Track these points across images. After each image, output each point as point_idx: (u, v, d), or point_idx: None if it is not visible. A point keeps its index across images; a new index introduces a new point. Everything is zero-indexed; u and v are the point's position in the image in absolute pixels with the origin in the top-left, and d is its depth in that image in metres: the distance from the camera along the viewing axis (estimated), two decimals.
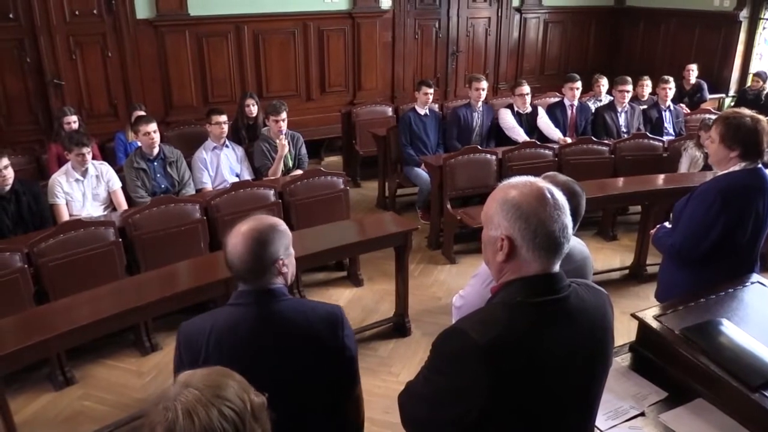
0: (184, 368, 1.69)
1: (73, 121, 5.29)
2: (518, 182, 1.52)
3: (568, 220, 1.49)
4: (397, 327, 4.31)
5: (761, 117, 2.75)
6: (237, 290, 1.87)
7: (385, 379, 3.80)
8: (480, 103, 6.22)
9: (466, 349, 1.41)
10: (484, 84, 6.17)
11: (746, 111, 2.79)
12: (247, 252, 1.82)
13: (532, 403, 1.46)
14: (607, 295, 1.63)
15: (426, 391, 1.54)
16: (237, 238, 1.85)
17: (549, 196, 1.47)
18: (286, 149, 5.25)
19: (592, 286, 1.62)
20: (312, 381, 1.85)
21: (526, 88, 6.21)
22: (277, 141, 5.20)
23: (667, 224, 3.04)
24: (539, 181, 1.52)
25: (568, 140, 6.00)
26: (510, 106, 6.32)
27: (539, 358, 1.44)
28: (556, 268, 1.51)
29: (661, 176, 5.24)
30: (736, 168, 2.76)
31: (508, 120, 6.23)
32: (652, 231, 3.15)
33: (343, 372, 1.93)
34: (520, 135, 6.09)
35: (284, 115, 5.24)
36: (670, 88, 6.48)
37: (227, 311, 1.85)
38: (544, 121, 6.26)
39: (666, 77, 6.51)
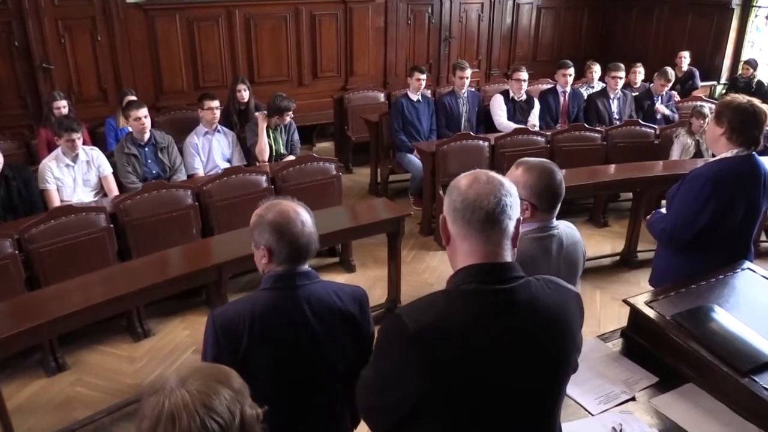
0: (222, 355, 1.75)
1: (62, 106, 5.24)
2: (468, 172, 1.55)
3: (496, 196, 1.44)
4: (390, 313, 4.32)
5: (763, 106, 2.73)
6: (269, 274, 1.88)
7: None
8: (464, 90, 6.21)
9: (397, 335, 1.41)
10: (468, 72, 6.16)
11: (747, 97, 2.77)
12: (315, 231, 1.89)
13: (468, 395, 1.41)
14: (576, 295, 1.58)
15: (370, 377, 1.55)
16: (303, 216, 1.87)
17: (481, 174, 1.49)
18: (264, 124, 5.21)
19: (559, 284, 1.55)
20: (344, 356, 1.94)
21: (524, 74, 6.16)
22: (257, 114, 5.21)
23: (662, 210, 3.05)
24: (484, 170, 1.53)
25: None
26: (505, 93, 6.31)
27: (474, 347, 1.40)
28: (504, 256, 1.47)
29: (653, 163, 5.27)
30: (728, 154, 2.77)
31: (495, 108, 6.23)
32: (648, 216, 3.17)
33: (364, 347, 2.01)
34: (501, 125, 6.08)
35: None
36: (668, 86, 6.49)
37: (267, 296, 1.85)
38: (533, 121, 6.25)
39: (669, 74, 6.44)
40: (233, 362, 1.75)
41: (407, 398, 1.41)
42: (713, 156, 2.96)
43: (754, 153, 2.78)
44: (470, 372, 1.40)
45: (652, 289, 2.84)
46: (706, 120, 5.28)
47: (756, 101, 2.74)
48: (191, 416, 1.13)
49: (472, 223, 1.45)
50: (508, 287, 1.44)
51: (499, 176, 1.50)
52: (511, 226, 1.47)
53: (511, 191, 1.48)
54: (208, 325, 1.84)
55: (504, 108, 6.20)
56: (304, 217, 1.87)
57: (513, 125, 5.98)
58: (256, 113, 5.48)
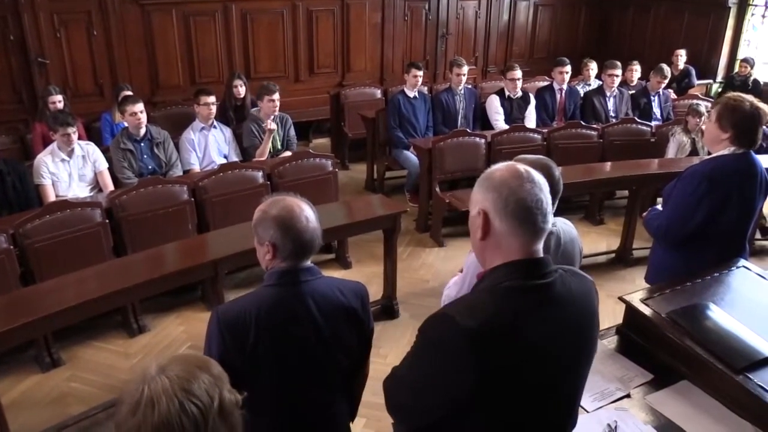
0: (228, 352, 1.74)
1: (58, 101, 5.21)
2: (499, 165, 1.54)
3: (544, 196, 1.47)
4: (386, 309, 4.33)
5: (763, 106, 2.75)
6: (273, 271, 1.87)
7: (373, 361, 3.74)
8: (461, 87, 6.21)
9: (453, 335, 1.39)
10: (465, 69, 6.16)
11: (749, 97, 2.78)
12: (319, 226, 1.90)
13: (517, 390, 1.44)
14: (593, 282, 1.63)
15: (411, 377, 1.53)
16: (307, 211, 1.88)
17: (523, 171, 1.48)
18: (275, 130, 5.21)
19: (578, 272, 1.61)
20: (346, 351, 1.96)
21: (518, 73, 6.17)
22: (266, 122, 5.16)
23: (658, 207, 3.06)
24: (520, 164, 1.53)
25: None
26: (500, 92, 6.30)
27: (525, 344, 1.42)
28: (540, 252, 1.49)
29: (649, 161, 5.27)
30: (725, 152, 2.78)
31: (491, 111, 6.23)
32: (644, 214, 3.18)
33: (364, 342, 2.04)
34: (498, 128, 6.08)
35: (277, 95, 5.20)
36: (665, 83, 6.52)
37: (271, 292, 1.85)
38: (530, 117, 6.26)
39: (665, 71, 6.47)
40: (240, 358, 1.76)
41: (457, 397, 1.41)
42: (709, 154, 2.97)
43: (750, 151, 2.80)
44: (522, 369, 1.43)
45: (648, 286, 2.85)
46: (702, 118, 5.28)
47: (756, 101, 2.76)
48: (170, 400, 1.14)
49: (527, 224, 1.45)
50: (548, 282, 1.47)
51: (537, 173, 1.50)
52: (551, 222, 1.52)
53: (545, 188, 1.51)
54: (212, 322, 1.82)
55: (500, 111, 6.19)
56: (308, 212, 1.87)
57: (505, 126, 5.98)
58: (253, 110, 5.47)
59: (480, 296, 1.48)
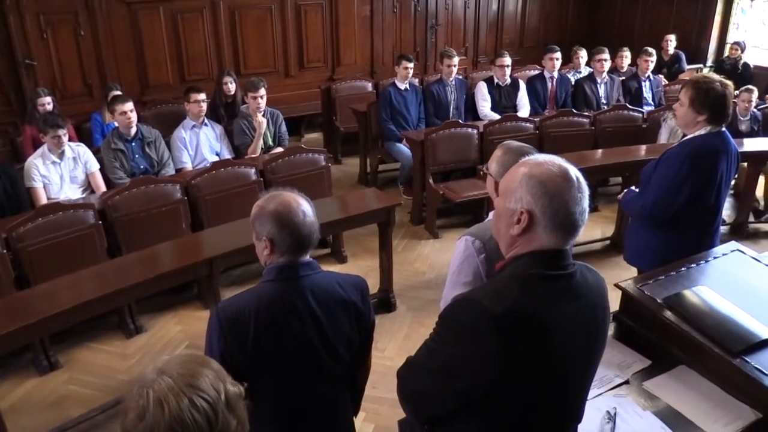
0: (229, 349, 1.74)
1: (47, 103, 5.18)
2: (544, 159, 1.52)
3: (587, 203, 1.50)
4: (382, 302, 4.33)
5: (729, 82, 2.85)
6: (272, 266, 1.87)
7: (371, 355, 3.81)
8: (452, 78, 6.20)
9: (480, 318, 1.40)
10: (456, 60, 6.15)
11: (715, 76, 2.87)
12: (316, 221, 1.89)
13: (539, 377, 1.45)
14: (603, 279, 1.64)
15: (431, 364, 1.52)
16: (305, 206, 1.87)
17: (574, 177, 1.48)
18: (264, 126, 5.19)
19: (591, 268, 1.62)
20: (347, 344, 1.95)
21: (507, 60, 6.18)
22: (255, 118, 5.14)
23: (634, 188, 3.11)
24: (564, 161, 1.52)
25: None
26: (489, 79, 6.30)
27: (548, 331, 1.43)
28: (566, 246, 1.52)
29: (641, 147, 5.28)
30: (702, 132, 2.85)
31: (478, 97, 6.24)
32: (620, 195, 3.22)
33: (365, 335, 2.04)
34: (484, 116, 6.09)
35: (263, 91, 5.17)
36: (652, 62, 6.53)
37: (271, 287, 1.85)
38: (522, 102, 6.26)
39: (649, 50, 6.53)
40: (241, 355, 1.76)
41: (480, 383, 1.42)
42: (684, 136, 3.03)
43: (724, 129, 2.89)
44: (545, 356, 1.44)
45: (643, 272, 2.87)
46: None
47: (725, 81, 2.84)
48: (178, 397, 1.13)
49: (569, 233, 1.49)
50: (570, 272, 1.50)
51: (583, 178, 1.52)
52: None
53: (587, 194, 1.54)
54: (213, 320, 1.82)
55: (487, 98, 6.20)
56: (306, 207, 1.87)
57: (496, 116, 5.99)
58: (242, 108, 5.44)
59: (506, 282, 1.49)
